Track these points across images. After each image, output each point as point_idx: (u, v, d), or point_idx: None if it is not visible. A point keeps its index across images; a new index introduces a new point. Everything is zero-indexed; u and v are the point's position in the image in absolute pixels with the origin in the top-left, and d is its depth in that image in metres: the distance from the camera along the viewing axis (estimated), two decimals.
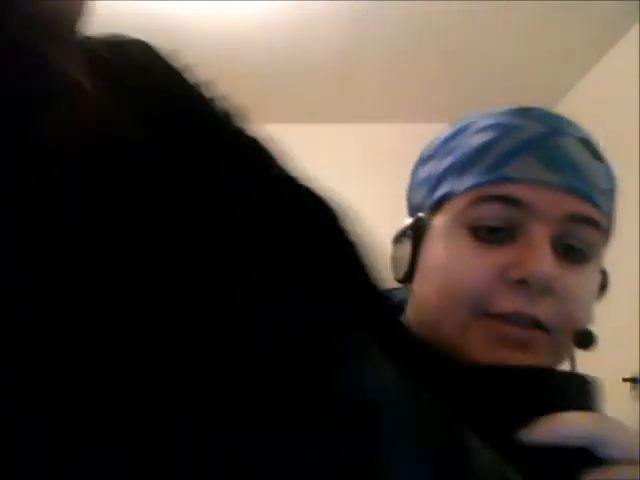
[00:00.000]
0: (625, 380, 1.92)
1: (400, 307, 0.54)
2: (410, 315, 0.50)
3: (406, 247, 0.49)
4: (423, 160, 0.52)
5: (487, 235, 0.44)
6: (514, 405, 0.32)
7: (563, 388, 0.34)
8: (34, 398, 0.17)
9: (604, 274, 0.50)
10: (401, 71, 2.38)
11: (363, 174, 2.66)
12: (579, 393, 0.35)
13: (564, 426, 0.32)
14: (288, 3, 1.95)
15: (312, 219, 0.24)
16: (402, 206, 0.58)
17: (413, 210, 0.52)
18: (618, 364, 1.92)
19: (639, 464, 0.32)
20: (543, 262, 0.42)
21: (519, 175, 0.44)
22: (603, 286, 0.50)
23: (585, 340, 0.44)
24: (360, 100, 2.59)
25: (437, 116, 2.57)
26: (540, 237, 0.43)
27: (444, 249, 0.46)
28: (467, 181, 0.46)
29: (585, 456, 0.31)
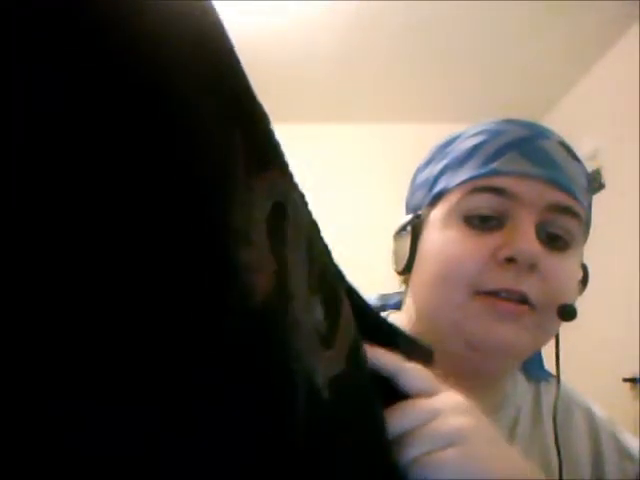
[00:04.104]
0: (625, 380, 1.92)
1: (397, 308, 0.60)
2: (409, 306, 0.55)
3: (406, 240, 0.54)
4: (421, 167, 0.58)
5: (479, 223, 0.49)
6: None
7: (408, 343, 0.39)
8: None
9: (585, 269, 0.54)
10: (401, 71, 2.38)
11: (363, 174, 2.66)
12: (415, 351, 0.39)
13: (373, 354, 0.35)
14: (288, 3, 1.95)
15: None
16: (401, 206, 0.59)
17: (412, 210, 0.57)
18: (618, 364, 1.92)
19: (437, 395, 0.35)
20: (528, 241, 0.47)
21: (506, 169, 0.49)
22: (584, 280, 0.54)
23: (567, 312, 0.49)
24: (360, 100, 2.59)
25: (437, 116, 2.57)
26: (525, 222, 0.48)
27: (441, 237, 0.51)
28: (461, 176, 0.51)
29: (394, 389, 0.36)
